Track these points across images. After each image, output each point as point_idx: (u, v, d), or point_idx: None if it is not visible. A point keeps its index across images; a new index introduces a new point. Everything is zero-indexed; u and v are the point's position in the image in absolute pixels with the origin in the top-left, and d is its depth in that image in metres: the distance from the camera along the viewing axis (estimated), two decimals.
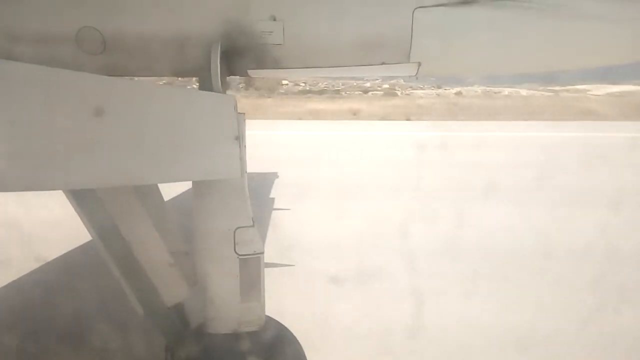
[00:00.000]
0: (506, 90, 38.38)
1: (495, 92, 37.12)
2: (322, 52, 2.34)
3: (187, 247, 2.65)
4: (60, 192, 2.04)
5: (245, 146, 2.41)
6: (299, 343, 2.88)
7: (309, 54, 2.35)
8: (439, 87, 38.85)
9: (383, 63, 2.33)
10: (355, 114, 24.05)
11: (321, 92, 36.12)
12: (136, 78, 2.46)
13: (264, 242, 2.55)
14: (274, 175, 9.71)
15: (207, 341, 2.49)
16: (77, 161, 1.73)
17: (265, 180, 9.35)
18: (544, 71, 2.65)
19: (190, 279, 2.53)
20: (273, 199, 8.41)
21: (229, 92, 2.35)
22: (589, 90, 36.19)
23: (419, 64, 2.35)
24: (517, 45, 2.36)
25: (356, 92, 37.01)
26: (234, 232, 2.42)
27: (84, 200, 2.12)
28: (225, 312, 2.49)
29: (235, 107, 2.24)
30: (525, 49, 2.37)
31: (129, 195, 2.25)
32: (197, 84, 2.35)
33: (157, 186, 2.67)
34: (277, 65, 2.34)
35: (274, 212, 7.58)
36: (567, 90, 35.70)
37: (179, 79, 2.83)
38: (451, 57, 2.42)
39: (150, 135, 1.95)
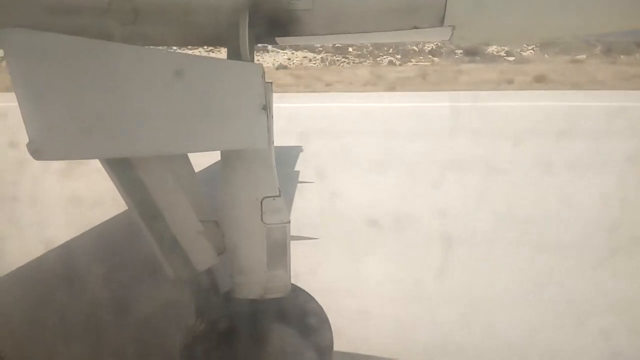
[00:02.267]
0: None
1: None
2: (351, 17, 2.29)
3: (216, 216, 2.71)
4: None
5: (272, 116, 2.43)
6: (323, 310, 2.95)
7: (337, 19, 2.30)
8: None
9: (415, 27, 2.25)
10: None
11: None
12: (165, 48, 2.48)
13: (289, 213, 2.59)
14: (299, 148, 9.73)
15: (236, 306, 2.57)
16: (111, 132, 1.78)
17: (290, 154, 9.39)
18: (584, 34, 2.54)
19: (219, 247, 2.59)
20: (298, 172, 8.46)
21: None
22: None
23: (453, 28, 2.27)
24: (556, 7, 2.25)
25: None
26: (261, 202, 2.46)
27: (119, 169, 2.19)
28: (253, 279, 2.55)
29: (263, 76, 2.24)
30: (565, 11, 2.25)
31: (161, 165, 2.30)
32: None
33: (187, 157, 2.72)
34: (305, 31, 2.32)
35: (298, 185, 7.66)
36: None
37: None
38: (487, 21, 2.33)
39: (178, 105, 1.98)
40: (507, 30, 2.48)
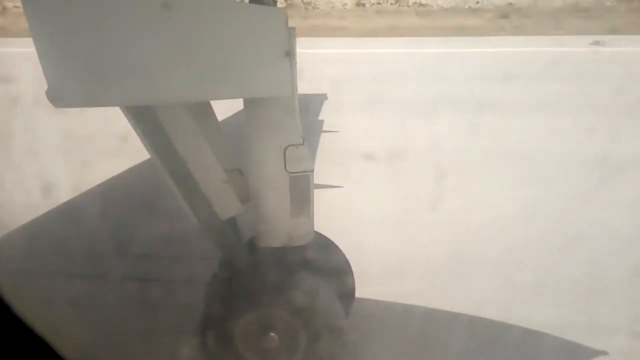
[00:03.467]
0: None
1: None
2: None
3: (240, 165, 2.71)
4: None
5: (296, 63, 2.36)
6: (345, 257, 2.99)
7: None
8: None
9: None
10: None
11: None
12: None
13: (313, 161, 2.58)
14: (323, 96, 9.60)
15: (259, 254, 2.62)
16: (131, 78, 1.76)
17: (313, 102, 9.28)
18: None
19: (243, 196, 2.60)
20: (322, 121, 8.38)
21: None
22: None
23: None
24: None
25: None
26: (285, 150, 2.44)
27: (140, 117, 2.18)
28: (276, 227, 2.58)
29: (286, 21, 2.17)
30: None
31: (183, 113, 2.29)
32: None
33: (210, 105, 2.69)
34: None
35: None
36: None
37: None
38: None
39: (200, 51, 1.94)
40: None
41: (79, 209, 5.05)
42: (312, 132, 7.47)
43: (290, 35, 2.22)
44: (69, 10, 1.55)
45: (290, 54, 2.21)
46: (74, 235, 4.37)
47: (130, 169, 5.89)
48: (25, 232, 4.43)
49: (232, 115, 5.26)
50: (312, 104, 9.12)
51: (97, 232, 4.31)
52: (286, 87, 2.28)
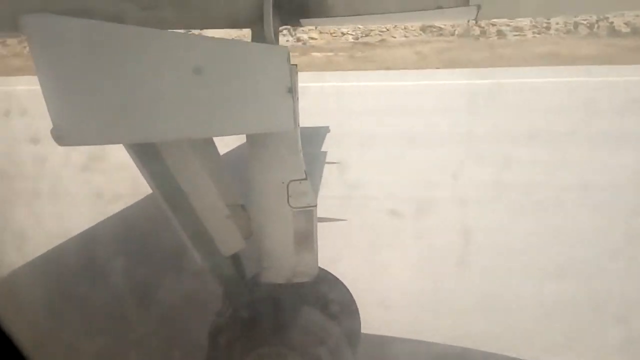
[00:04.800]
0: None
1: None
2: None
3: (243, 200, 2.70)
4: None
5: (298, 98, 2.38)
6: (350, 293, 2.93)
7: (361, 1, 2.25)
8: None
9: (439, 7, 2.18)
10: None
11: None
12: (190, 31, 2.44)
13: (316, 196, 2.56)
14: (326, 129, 9.66)
15: (263, 290, 2.58)
16: (135, 116, 1.77)
17: (317, 135, 9.33)
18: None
19: (246, 231, 2.59)
20: (325, 152, 8.42)
21: None
22: None
23: (479, 7, 2.19)
24: None
25: None
26: (288, 185, 2.44)
27: (143, 154, 2.19)
28: (280, 263, 2.55)
29: (288, 59, 2.19)
30: None
31: (186, 149, 2.29)
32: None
33: (212, 140, 2.71)
34: (329, 13, 2.26)
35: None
36: None
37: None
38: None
39: (203, 89, 1.96)
40: (531, 5, 2.38)
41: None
42: None
43: (292, 72, 2.25)
44: (73, 51, 1.58)
45: (292, 90, 2.23)
46: None
47: None
48: None
49: (232, 150, 5.26)
50: (316, 136, 9.15)
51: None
52: (289, 123, 2.29)
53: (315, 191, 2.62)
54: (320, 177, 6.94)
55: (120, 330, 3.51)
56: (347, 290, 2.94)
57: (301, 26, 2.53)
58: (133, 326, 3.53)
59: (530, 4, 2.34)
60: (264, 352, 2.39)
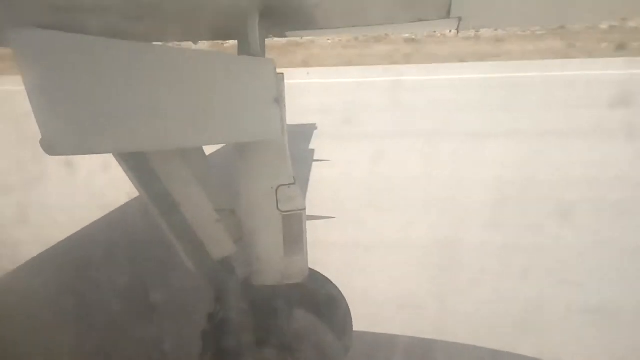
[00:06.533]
0: None
1: None
2: (359, 10, 2.28)
3: (232, 205, 2.75)
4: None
5: (285, 106, 2.44)
6: (341, 293, 3.01)
7: (346, 13, 2.30)
8: None
9: (420, 20, 2.24)
10: None
11: None
12: (175, 44, 2.48)
13: (304, 199, 2.63)
14: (313, 126, 9.71)
15: (254, 293, 2.64)
16: (124, 127, 1.80)
17: (304, 132, 9.37)
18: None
19: (236, 235, 2.64)
20: (313, 150, 8.47)
21: None
22: None
23: (460, 19, 2.26)
24: None
25: None
26: (276, 190, 2.50)
27: (133, 163, 2.22)
28: (270, 266, 2.61)
29: (274, 70, 2.24)
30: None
31: (175, 157, 2.34)
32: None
33: (201, 148, 2.75)
34: (314, 25, 2.31)
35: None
36: None
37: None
38: (494, 10, 2.30)
39: (191, 100, 2.00)
40: (513, 16, 2.44)
41: None
42: None
43: (279, 81, 2.30)
44: (60, 65, 1.60)
45: (279, 100, 2.28)
46: None
47: None
48: None
49: (217, 151, 5.28)
50: (303, 134, 9.18)
51: None
52: (276, 131, 2.35)
53: (304, 193, 2.67)
54: (309, 175, 7.01)
55: (110, 333, 3.55)
56: (337, 289, 3.01)
57: (286, 37, 2.57)
58: (123, 328, 3.58)
59: (511, 14, 2.39)
60: (256, 354, 2.45)
